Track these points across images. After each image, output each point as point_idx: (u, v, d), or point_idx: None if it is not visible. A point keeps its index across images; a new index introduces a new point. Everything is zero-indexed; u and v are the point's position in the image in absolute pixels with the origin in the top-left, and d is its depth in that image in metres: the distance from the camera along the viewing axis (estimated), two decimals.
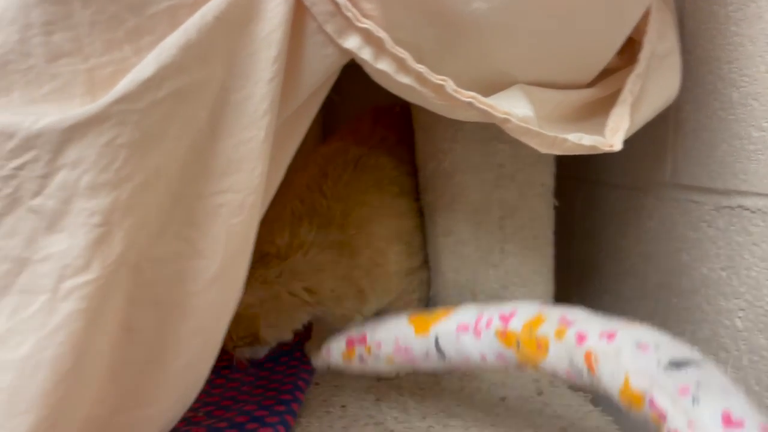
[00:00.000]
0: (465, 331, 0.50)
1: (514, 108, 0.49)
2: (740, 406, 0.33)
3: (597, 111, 0.60)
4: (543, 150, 0.51)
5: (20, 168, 0.37)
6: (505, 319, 0.47)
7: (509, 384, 0.74)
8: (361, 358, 0.61)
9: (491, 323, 0.48)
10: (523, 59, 0.53)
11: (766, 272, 0.56)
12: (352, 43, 0.47)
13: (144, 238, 0.42)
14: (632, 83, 0.57)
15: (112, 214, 0.39)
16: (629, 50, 0.61)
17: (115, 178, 0.39)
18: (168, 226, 0.44)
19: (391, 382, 0.77)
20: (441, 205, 0.77)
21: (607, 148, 0.53)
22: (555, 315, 0.44)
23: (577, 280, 0.95)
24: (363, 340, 0.60)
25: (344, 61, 0.49)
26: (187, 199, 0.44)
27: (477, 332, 0.48)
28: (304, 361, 0.84)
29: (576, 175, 0.93)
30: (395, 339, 0.57)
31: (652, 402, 0.36)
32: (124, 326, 0.44)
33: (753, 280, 0.58)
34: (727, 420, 0.32)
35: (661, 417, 0.34)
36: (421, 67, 0.47)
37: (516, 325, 0.46)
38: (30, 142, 0.37)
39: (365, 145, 0.82)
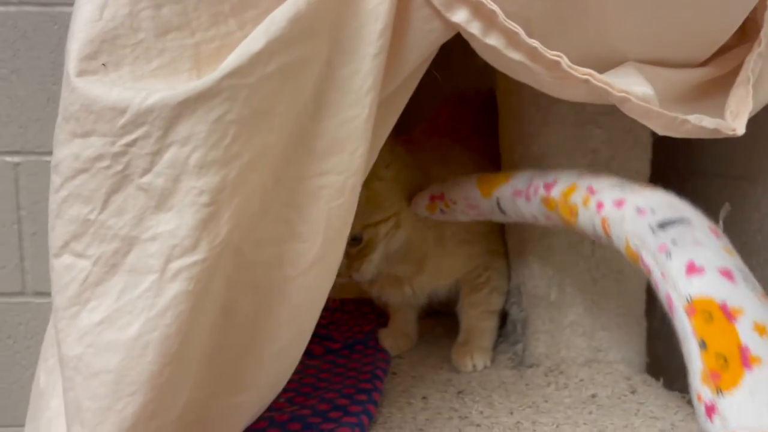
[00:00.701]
0: (519, 196, 0.58)
1: (632, 86, 0.46)
2: (704, 255, 0.38)
3: (712, 92, 0.56)
4: (662, 132, 0.48)
5: (131, 144, 0.37)
6: (548, 187, 0.54)
7: (598, 381, 0.71)
8: (442, 211, 0.71)
9: (538, 190, 0.55)
10: (639, 34, 0.49)
11: None
12: (460, 16, 0.44)
13: (248, 219, 0.40)
14: (753, 63, 0.53)
15: (221, 194, 0.38)
16: (745, 26, 0.56)
17: (225, 156, 0.37)
18: (269, 207, 0.42)
19: (473, 374, 0.75)
20: None
21: (730, 132, 0.49)
22: (584, 184, 0.50)
23: None
24: (442, 197, 0.70)
25: (448, 36, 0.47)
26: (289, 179, 0.43)
27: (527, 197, 0.57)
28: (380, 350, 0.82)
29: (670, 163, 0.88)
30: (466, 198, 0.66)
31: (642, 260, 0.42)
32: (223, 309, 0.43)
33: None
34: (691, 268, 0.37)
35: (648, 272, 0.42)
36: (534, 42, 0.44)
37: (556, 193, 0.53)
38: (141, 117, 0.36)
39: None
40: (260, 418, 0.56)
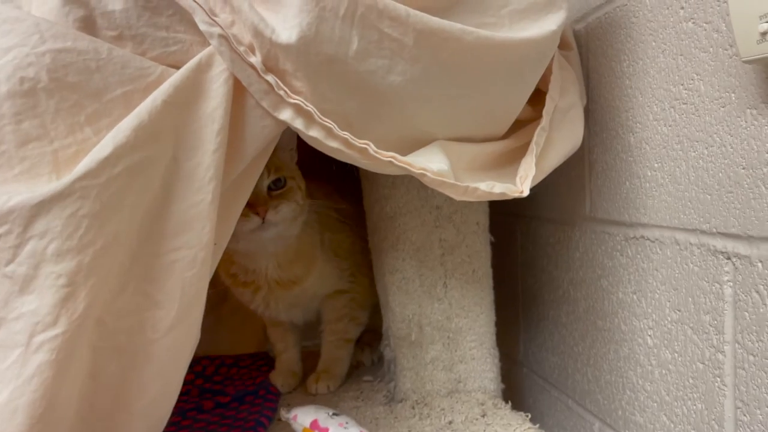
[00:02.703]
0: None
1: (430, 163, 0.57)
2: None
3: (515, 159, 0.68)
4: (457, 198, 0.59)
5: None
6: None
7: (456, 409, 0.81)
8: None
9: None
10: (438, 120, 0.60)
11: (666, 294, 0.64)
12: (286, 115, 0.54)
13: (106, 294, 0.48)
14: (538, 136, 0.65)
15: (77, 276, 0.45)
16: (541, 103, 0.69)
17: (79, 245, 0.45)
18: (128, 282, 0.50)
19: (351, 413, 0.83)
20: (386, 246, 0.83)
21: (516, 194, 0.60)
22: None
23: (523, 308, 1.02)
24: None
25: (281, 129, 0.57)
26: (144, 257, 0.50)
27: None
28: (268, 399, 0.89)
29: (516, 212, 1.01)
30: None
31: None
32: (91, 374, 0.49)
33: (656, 301, 0.65)
34: None
35: None
36: (345, 134, 0.54)
37: None
38: (3, 218, 0.43)
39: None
40: None
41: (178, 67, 0.50)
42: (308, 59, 0.52)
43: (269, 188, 0.75)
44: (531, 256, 0.98)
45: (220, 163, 0.52)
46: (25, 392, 0.43)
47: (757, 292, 0.51)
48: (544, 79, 0.66)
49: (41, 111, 0.47)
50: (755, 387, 0.51)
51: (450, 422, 0.77)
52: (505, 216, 0.99)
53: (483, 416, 0.78)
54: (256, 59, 0.51)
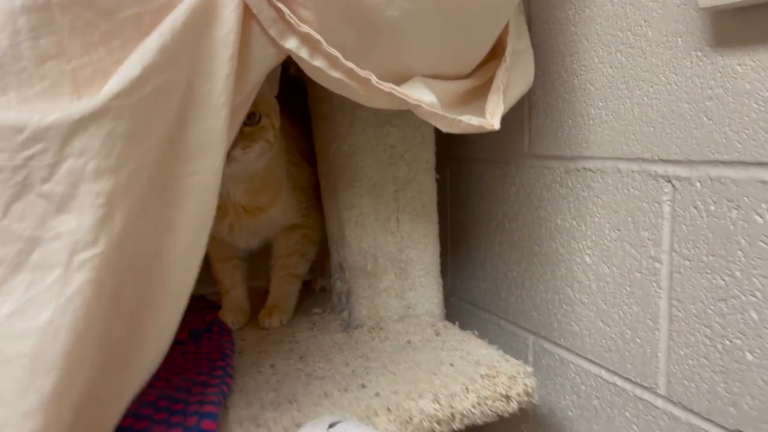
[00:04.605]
0: None
1: (422, 96, 0.61)
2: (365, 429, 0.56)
3: (475, 97, 0.74)
4: (444, 130, 0.64)
5: (30, 158, 0.42)
6: None
7: (411, 331, 0.88)
8: None
9: None
10: (423, 55, 0.64)
11: (605, 217, 0.74)
12: (291, 44, 0.55)
13: (135, 218, 0.48)
14: (502, 75, 0.71)
15: (114, 196, 0.44)
16: (495, 47, 0.75)
17: (116, 164, 0.44)
18: (148, 205, 0.50)
19: (310, 342, 0.87)
20: (343, 183, 0.87)
21: (490, 128, 0.67)
22: None
23: (451, 242, 1.11)
24: None
25: (282, 58, 0.58)
26: (162, 181, 0.50)
27: None
28: (224, 334, 0.90)
29: (447, 153, 1.08)
30: None
31: None
32: (110, 297, 0.49)
33: (596, 224, 0.75)
34: None
35: None
36: (350, 64, 0.57)
37: None
38: (39, 134, 0.42)
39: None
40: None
41: None
42: None
43: (243, 123, 0.76)
44: (462, 194, 1.06)
45: (231, 88, 0.53)
46: (69, 310, 0.43)
47: (695, 207, 0.61)
48: (507, 23, 0.72)
49: (57, 28, 0.45)
50: (690, 287, 0.63)
51: (409, 342, 0.84)
52: (440, 158, 1.05)
53: (437, 335, 0.86)
54: None
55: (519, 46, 0.76)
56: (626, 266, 0.71)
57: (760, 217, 0.55)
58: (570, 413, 0.83)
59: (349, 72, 0.57)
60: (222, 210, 0.87)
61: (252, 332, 0.94)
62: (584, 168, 0.77)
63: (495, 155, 0.96)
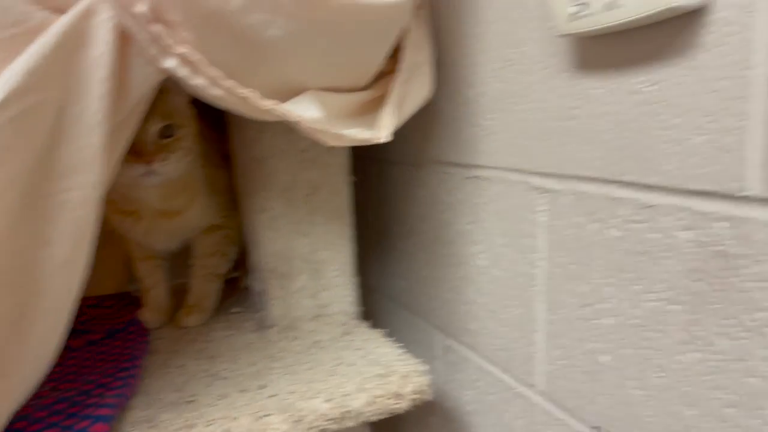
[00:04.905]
0: None
1: (305, 112, 0.64)
2: None
3: (374, 108, 0.77)
4: (330, 143, 0.67)
5: None
6: None
7: (322, 330, 0.91)
8: None
9: None
10: (310, 71, 0.67)
11: (495, 223, 0.77)
12: (170, 63, 0.57)
13: (2, 234, 0.49)
14: (399, 87, 0.74)
15: None
16: (397, 56, 0.78)
17: None
18: (21, 222, 0.51)
19: (223, 342, 0.90)
20: (255, 187, 0.89)
21: (377, 140, 0.70)
22: None
23: (374, 241, 1.14)
24: None
25: (164, 76, 0.60)
26: (36, 198, 0.52)
27: None
28: (140, 334, 0.93)
29: (373, 156, 1.11)
30: None
31: None
32: None
33: (488, 230, 0.79)
34: None
35: None
36: (230, 82, 0.59)
37: None
38: None
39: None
40: (26, 406, 0.64)
41: (63, 12, 0.52)
42: (194, 11, 0.55)
43: (159, 136, 0.77)
44: (382, 195, 1.09)
45: (107, 107, 0.55)
46: None
47: (564, 218, 0.65)
48: (403, 35, 0.75)
49: None
50: (561, 293, 0.67)
51: (316, 342, 0.87)
52: (364, 160, 1.08)
53: (346, 334, 0.89)
54: (142, 9, 0.54)
55: (418, 58, 0.79)
56: (512, 270, 0.75)
57: (617, 230, 0.59)
58: (470, 408, 0.87)
59: (229, 90, 0.59)
60: (136, 214, 0.88)
61: (169, 331, 0.96)
62: (477, 176, 0.80)
63: (409, 159, 0.99)
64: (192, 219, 0.94)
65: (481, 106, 0.79)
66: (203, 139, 0.92)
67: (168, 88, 0.77)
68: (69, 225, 0.55)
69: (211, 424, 0.66)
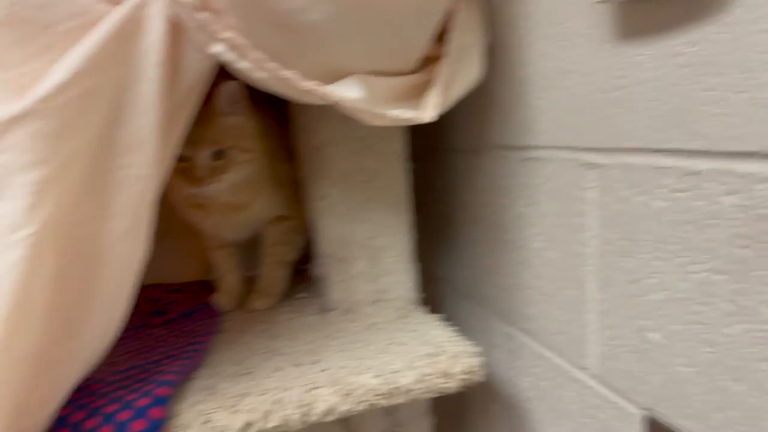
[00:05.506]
0: None
1: (347, 93, 0.66)
2: None
3: (423, 91, 0.78)
4: (371, 123, 0.68)
5: None
6: None
7: (380, 314, 0.92)
8: None
9: None
10: (354, 55, 0.69)
11: (549, 204, 0.76)
12: (217, 48, 0.61)
13: (69, 204, 0.55)
14: (445, 69, 0.75)
15: (43, 184, 0.52)
16: (447, 40, 0.79)
17: (44, 158, 0.52)
18: (86, 194, 0.57)
19: (286, 323, 0.94)
20: (315, 175, 0.93)
21: (420, 120, 0.71)
22: None
23: (439, 231, 1.14)
24: None
25: (215, 61, 0.64)
26: (98, 173, 0.58)
27: None
28: (212, 315, 0.98)
29: (434, 145, 1.12)
30: None
31: None
32: (55, 275, 0.57)
33: (542, 211, 0.78)
34: None
35: None
36: (272, 65, 0.62)
37: None
38: None
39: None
40: (101, 371, 0.70)
41: (119, 3, 0.57)
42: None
43: (211, 158, 0.83)
44: (447, 185, 1.10)
45: (161, 89, 0.60)
46: (6, 281, 0.51)
47: (613, 193, 0.63)
48: (449, 17, 0.76)
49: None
50: (611, 270, 0.64)
51: (373, 324, 0.89)
52: (427, 150, 1.09)
53: (403, 318, 0.90)
54: None
55: (466, 40, 0.79)
56: (564, 251, 0.73)
57: (662, 200, 0.57)
58: (529, 394, 0.86)
59: (272, 72, 0.63)
60: (208, 209, 0.95)
61: (239, 314, 1.01)
62: (532, 157, 0.79)
63: (469, 146, 0.99)
64: (258, 212, 0.99)
65: (532, 85, 0.77)
66: (267, 135, 0.96)
67: (219, 111, 0.83)
68: (128, 199, 0.60)
69: (264, 394, 0.70)
